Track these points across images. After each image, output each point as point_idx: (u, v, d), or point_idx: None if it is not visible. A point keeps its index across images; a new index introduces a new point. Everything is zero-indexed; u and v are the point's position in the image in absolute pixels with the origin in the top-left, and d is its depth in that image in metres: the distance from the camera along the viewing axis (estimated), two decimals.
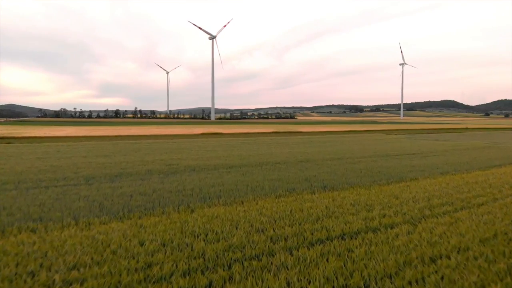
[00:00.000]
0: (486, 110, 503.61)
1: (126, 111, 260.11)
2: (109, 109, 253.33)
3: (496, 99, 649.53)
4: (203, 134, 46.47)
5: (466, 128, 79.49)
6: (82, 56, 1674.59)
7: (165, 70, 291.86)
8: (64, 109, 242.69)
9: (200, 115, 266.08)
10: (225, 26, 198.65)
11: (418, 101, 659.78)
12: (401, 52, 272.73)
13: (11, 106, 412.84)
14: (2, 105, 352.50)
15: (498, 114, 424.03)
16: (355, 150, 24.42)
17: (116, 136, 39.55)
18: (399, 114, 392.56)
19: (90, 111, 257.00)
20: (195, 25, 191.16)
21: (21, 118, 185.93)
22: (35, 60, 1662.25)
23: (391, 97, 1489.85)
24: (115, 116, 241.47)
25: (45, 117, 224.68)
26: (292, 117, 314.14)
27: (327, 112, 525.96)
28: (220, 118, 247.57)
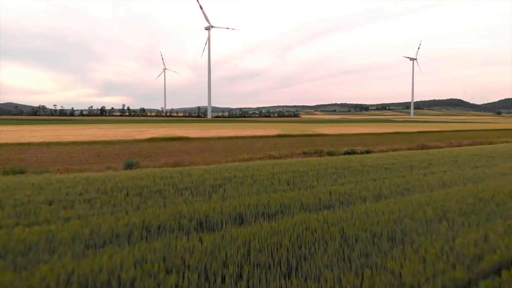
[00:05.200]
0: (493, 109, 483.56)
1: (112, 108, 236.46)
2: (93, 107, 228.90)
3: (502, 98, 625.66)
4: (151, 140, 23.01)
5: None
6: (84, 54, 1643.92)
7: (163, 66, 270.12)
8: (42, 105, 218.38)
9: (196, 113, 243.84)
10: (228, 28, 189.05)
11: (423, 99, 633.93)
12: (418, 48, 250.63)
13: (7, 105, 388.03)
14: (1, 103, 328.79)
15: (508, 113, 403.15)
16: None
17: None
18: (407, 112, 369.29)
19: (72, 108, 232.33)
20: (197, 1, 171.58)
21: None
22: (37, 59, 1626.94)
23: (396, 96, 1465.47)
24: (100, 114, 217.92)
25: (21, 115, 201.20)
26: (296, 115, 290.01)
27: (331, 111, 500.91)
28: (217, 117, 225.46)
